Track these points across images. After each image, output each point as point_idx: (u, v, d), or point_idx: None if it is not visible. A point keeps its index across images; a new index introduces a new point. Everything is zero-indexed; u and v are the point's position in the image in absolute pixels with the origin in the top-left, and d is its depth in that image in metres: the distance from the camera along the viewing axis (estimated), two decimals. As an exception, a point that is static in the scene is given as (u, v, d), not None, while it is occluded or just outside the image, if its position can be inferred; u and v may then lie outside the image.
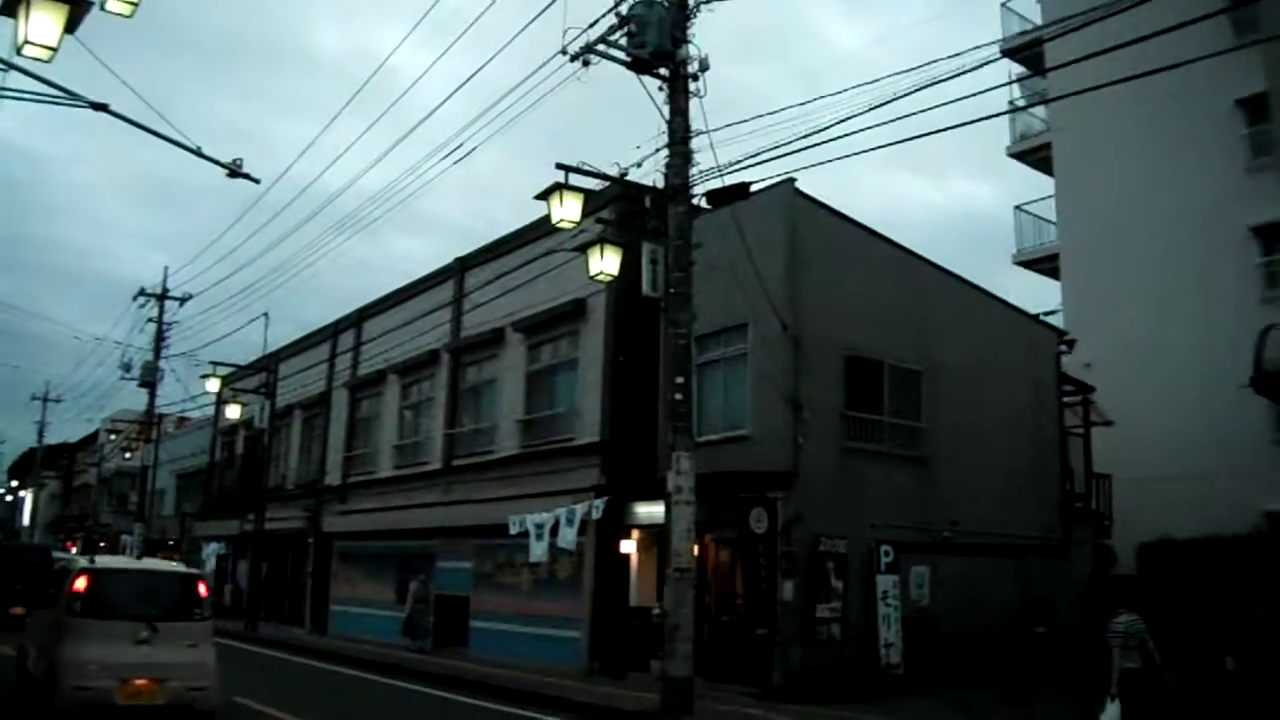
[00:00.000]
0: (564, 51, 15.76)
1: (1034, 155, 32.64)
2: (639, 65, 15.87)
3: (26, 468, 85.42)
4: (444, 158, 41.33)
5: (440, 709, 17.70)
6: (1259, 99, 24.45)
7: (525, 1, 16.33)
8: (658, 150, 16.23)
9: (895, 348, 20.62)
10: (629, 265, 17.02)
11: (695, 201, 16.41)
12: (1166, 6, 11.62)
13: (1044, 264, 32.02)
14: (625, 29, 15.67)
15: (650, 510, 19.80)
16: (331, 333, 36.84)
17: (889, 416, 20.38)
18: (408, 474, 29.85)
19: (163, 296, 40.30)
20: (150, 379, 40.48)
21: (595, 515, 20.91)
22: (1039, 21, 30.55)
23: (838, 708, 16.38)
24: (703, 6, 15.99)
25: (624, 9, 15.65)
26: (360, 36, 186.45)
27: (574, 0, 15.21)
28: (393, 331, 30.22)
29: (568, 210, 16.37)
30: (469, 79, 18.54)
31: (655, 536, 19.69)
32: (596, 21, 15.73)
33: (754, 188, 16.41)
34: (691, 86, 16.08)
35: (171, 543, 49.89)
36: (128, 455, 53.17)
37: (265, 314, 38.10)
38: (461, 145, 35.57)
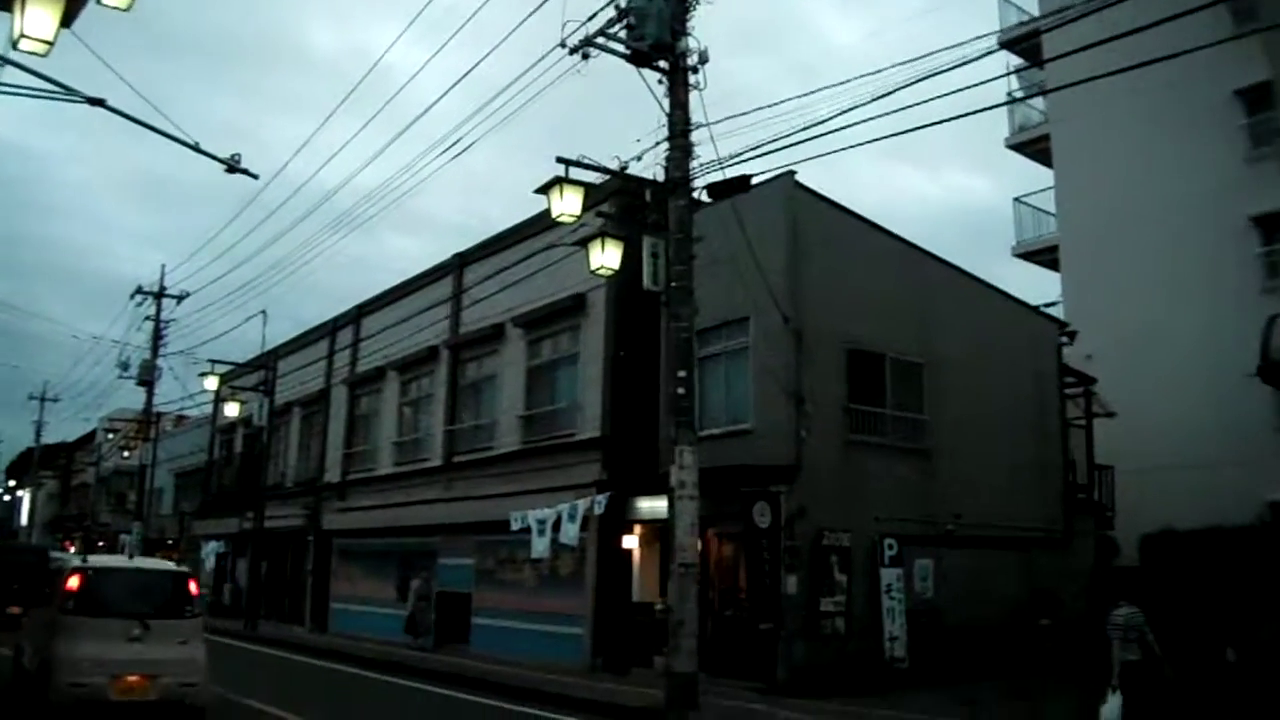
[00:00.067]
0: (563, 44, 15.71)
1: (1033, 147, 32.56)
2: (638, 58, 15.80)
3: (24, 467, 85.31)
4: (441, 153, 41.24)
5: (443, 707, 17.64)
6: (1258, 89, 24.43)
7: (521, -3, 16.27)
8: (658, 144, 16.19)
9: (897, 340, 20.57)
10: (629, 259, 16.95)
11: (696, 195, 16.35)
12: (1164, -3, 11.58)
13: (1043, 256, 31.97)
14: (624, 21, 15.62)
15: (652, 505, 19.76)
16: (330, 329, 36.76)
17: (891, 409, 20.33)
18: (408, 471, 29.78)
19: (160, 294, 40.22)
20: (148, 377, 40.43)
21: (598, 511, 20.85)
22: (1036, 13, 30.49)
23: (843, 702, 16.33)
24: (701, -2, 15.92)
25: (623, 2, 15.59)
26: (355, 34, 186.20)
27: (571, -5, 15.17)
28: (392, 328, 30.13)
29: (568, 204, 16.28)
30: (465, 74, 18.48)
31: (657, 532, 19.66)
32: (595, 14, 15.71)
33: (754, 181, 16.36)
34: (691, 79, 16.02)
35: (170, 541, 49.81)
36: (126, 454, 53.05)
37: (263, 311, 37.96)
38: (459, 140, 35.50)
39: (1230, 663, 15.21)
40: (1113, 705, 12.60)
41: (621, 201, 19.54)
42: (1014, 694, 17.27)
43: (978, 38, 13.10)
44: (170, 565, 16.34)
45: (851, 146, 16.69)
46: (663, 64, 15.92)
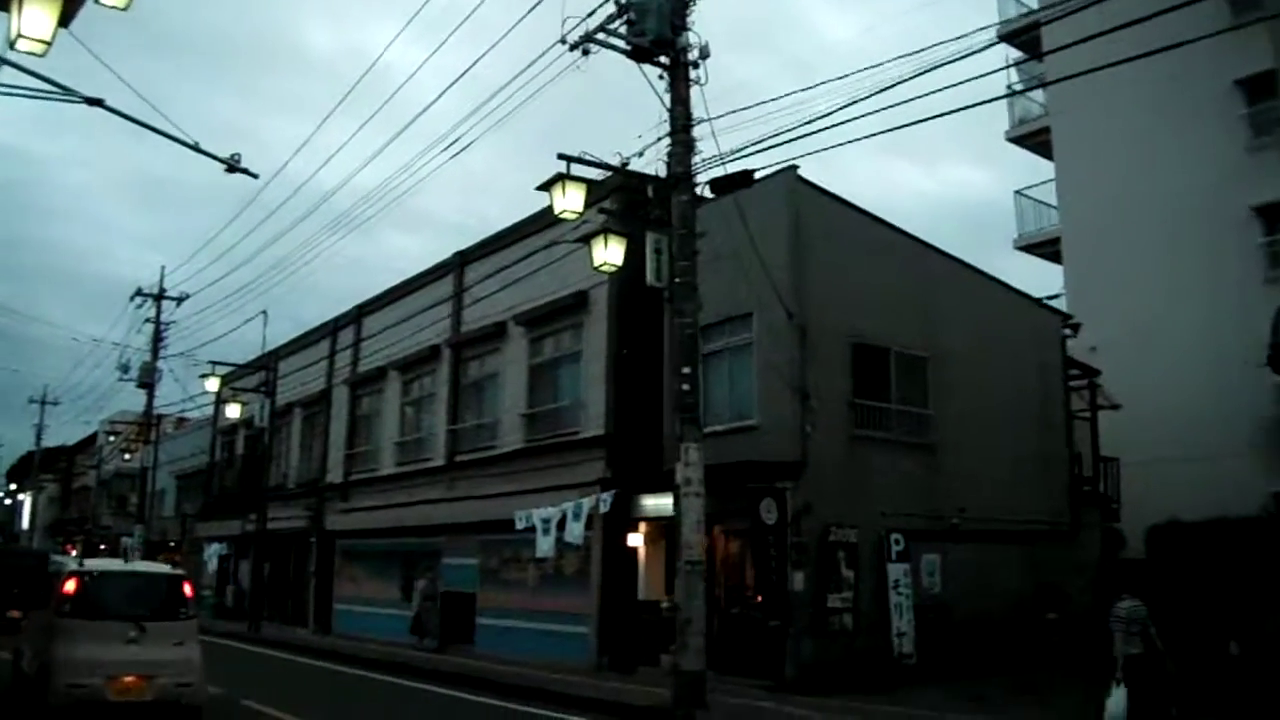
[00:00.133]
0: (563, 41, 15.63)
1: (1033, 139, 32.54)
2: (639, 54, 15.72)
3: (25, 470, 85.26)
4: (441, 151, 41.18)
5: (448, 708, 17.55)
6: (1258, 79, 24.39)
7: (519, -4, 16.20)
8: (659, 139, 16.10)
9: (901, 334, 20.50)
10: (630, 256, 16.85)
11: (698, 190, 16.28)
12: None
13: (1045, 248, 31.93)
14: (625, 17, 15.54)
15: (657, 503, 19.68)
16: (331, 330, 36.67)
17: (896, 404, 20.27)
18: (410, 471, 29.69)
19: (160, 296, 40.13)
20: (148, 379, 40.37)
21: (603, 509, 20.76)
22: (1035, 5, 30.45)
23: (851, 699, 16.26)
24: (702, -9, 15.84)
25: (623, -3, 15.51)
26: (352, 34, 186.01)
27: (570, -9, 15.09)
28: (393, 327, 30.09)
29: (570, 201, 16.20)
30: (464, 73, 18.44)
31: (663, 529, 19.58)
32: (595, 10, 15.63)
33: (757, 176, 16.30)
34: (692, 74, 15.94)
35: (172, 544, 49.75)
36: (127, 457, 53.08)
37: (264, 312, 37.95)
38: (458, 139, 35.40)
39: (1234, 656, 15.17)
40: (1117, 699, 12.55)
41: (623, 198, 19.47)
42: (1022, 689, 17.25)
43: (979, 29, 13.05)
44: (165, 568, 16.71)
45: (852, 141, 16.68)
46: (663, 59, 15.83)
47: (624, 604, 21.28)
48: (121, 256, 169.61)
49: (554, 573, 23.06)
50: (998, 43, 20.21)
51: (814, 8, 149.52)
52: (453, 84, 18.91)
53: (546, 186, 16.64)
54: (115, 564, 17.22)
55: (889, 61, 13.92)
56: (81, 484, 75.02)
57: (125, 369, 41.20)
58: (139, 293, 40.18)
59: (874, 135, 14.30)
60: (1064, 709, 15.71)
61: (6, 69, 11.28)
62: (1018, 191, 32.79)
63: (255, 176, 15.50)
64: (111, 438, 61.85)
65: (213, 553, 43.91)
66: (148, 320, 40.23)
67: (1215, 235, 25.38)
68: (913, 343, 20.69)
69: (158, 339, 40.11)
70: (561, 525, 21.37)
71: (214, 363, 36.02)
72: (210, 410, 44.61)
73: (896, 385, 20.35)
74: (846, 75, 19.13)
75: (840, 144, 14.57)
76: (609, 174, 17.26)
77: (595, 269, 17.23)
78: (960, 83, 13.06)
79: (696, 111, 15.92)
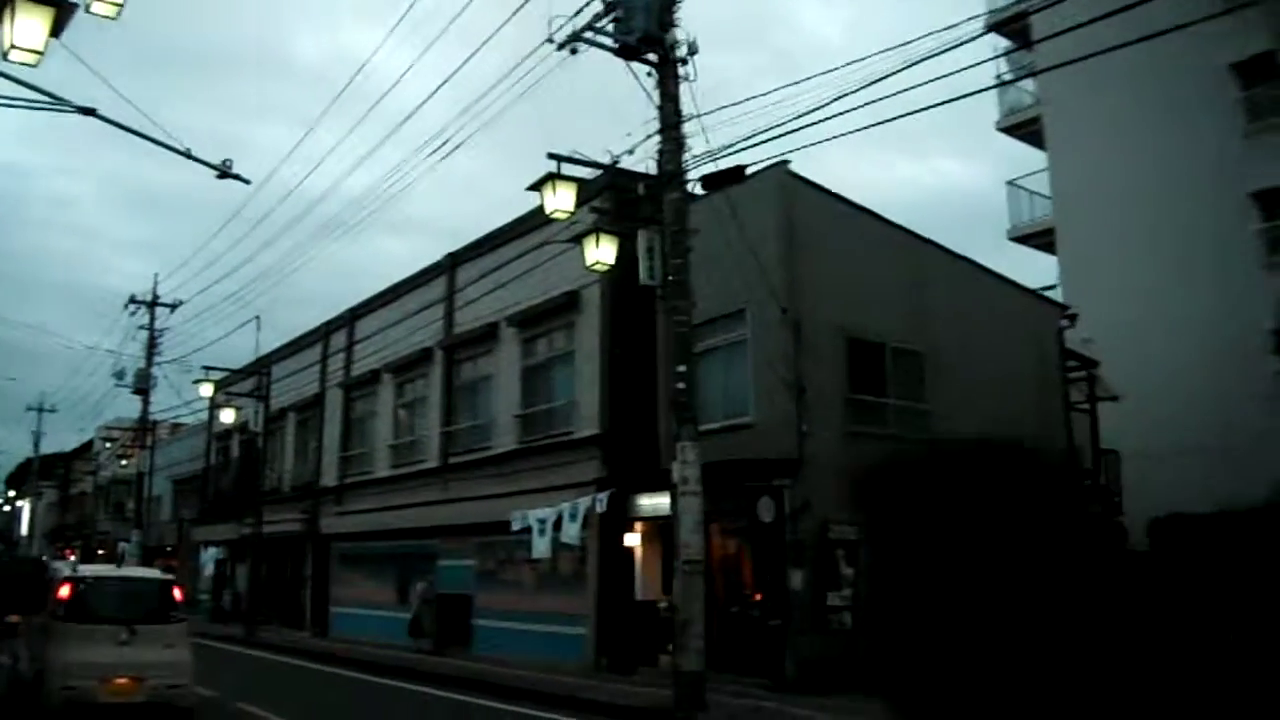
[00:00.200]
0: (550, 40, 15.53)
1: (1024, 129, 32.36)
2: (627, 51, 15.62)
3: (23, 477, 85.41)
4: (430, 154, 41.04)
5: (446, 711, 17.42)
6: (1252, 62, 24.26)
7: (504, -2, 16.08)
8: (649, 137, 15.98)
9: (896, 329, 20.35)
10: (622, 254, 16.76)
11: (689, 187, 16.16)
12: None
13: (1039, 239, 31.75)
14: (612, 15, 15.45)
15: (654, 502, 19.58)
16: (323, 334, 36.62)
17: (893, 399, 20.12)
18: (405, 473, 29.61)
19: (153, 304, 40.17)
20: (144, 386, 40.44)
21: (600, 509, 20.65)
22: (1023, -6, 30.29)
23: (852, 698, 16.07)
24: (689, -12, 15.71)
25: (609, -6, 15.39)
26: (338, 41, 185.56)
27: (554, -8, 14.98)
28: (385, 330, 30.08)
29: (561, 200, 16.12)
30: (451, 75, 18.33)
31: (659, 529, 19.48)
32: (582, 9, 15.52)
33: (747, 171, 16.17)
34: (680, 71, 15.81)
35: (169, 548, 49.74)
36: (124, 463, 53.01)
37: (257, 317, 37.97)
38: (447, 141, 35.30)
39: (1231, 649, 15.00)
40: None
41: (614, 197, 19.32)
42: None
43: (968, 19, 12.93)
44: (156, 573, 17.54)
45: (842, 135, 16.47)
46: (651, 57, 15.73)
47: (621, 604, 21.17)
48: (114, 265, 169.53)
49: (550, 574, 22.96)
50: (986, 33, 20.03)
51: (800, 4, 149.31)
52: (440, 86, 18.82)
53: (537, 186, 16.57)
54: (108, 570, 17.56)
55: (877, 54, 13.82)
56: (79, 490, 75.00)
57: (120, 376, 41.25)
58: (133, 300, 40.27)
59: (864, 129, 14.20)
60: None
61: None
62: (1010, 182, 32.59)
63: (247, 182, 15.54)
64: (108, 444, 61.82)
65: (209, 556, 43.88)
66: (142, 327, 40.48)
67: (1212, 222, 25.19)
68: (908, 337, 20.53)
69: (152, 346, 40.17)
70: (558, 526, 21.27)
71: (208, 368, 36.13)
72: (205, 415, 44.59)
73: (892, 380, 20.20)
74: (835, 69, 18.89)
75: (830, 138, 14.53)
76: (599, 173, 17.18)
77: (587, 268, 17.16)
78: (949, 74, 12.94)
79: (686, 109, 15.80)
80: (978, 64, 14.35)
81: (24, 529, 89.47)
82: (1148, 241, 26.26)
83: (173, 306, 40.02)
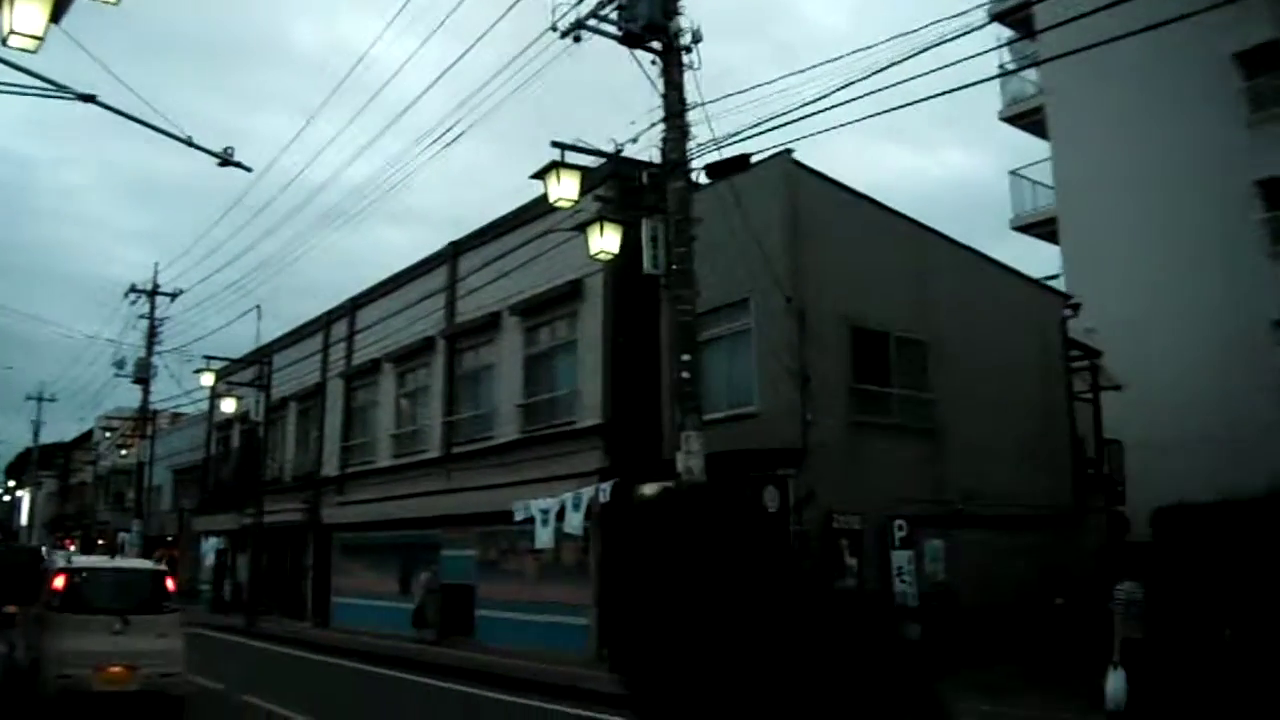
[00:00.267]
0: (554, 28, 15.43)
1: (1027, 119, 32.31)
2: (631, 39, 15.50)
3: (23, 467, 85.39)
4: (432, 143, 40.96)
5: (450, 701, 17.41)
6: (1256, 52, 24.19)
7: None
8: (652, 125, 15.87)
9: (900, 318, 20.31)
10: (625, 243, 16.67)
11: (693, 176, 16.08)
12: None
13: (1042, 228, 31.69)
14: (616, 2, 15.32)
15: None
16: (325, 323, 36.54)
17: (897, 388, 20.08)
18: (407, 463, 29.55)
19: (154, 292, 40.10)
20: (144, 375, 40.40)
21: (604, 499, 20.56)
22: (1028, -16, 30.16)
23: (857, 688, 16.06)
24: (694, -25, 15.62)
25: (614, -19, 15.28)
26: (338, 29, 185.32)
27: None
28: (386, 319, 29.94)
29: (565, 189, 16.01)
30: (454, 63, 18.28)
31: (663, 519, 19.35)
32: (584, -3, 15.39)
33: (753, 159, 16.11)
34: (685, 59, 15.71)
35: (170, 538, 49.75)
36: (124, 453, 52.96)
37: (258, 306, 37.91)
38: (451, 129, 35.22)
39: (1228, 642, 14.98)
40: (1114, 682, 12.45)
41: (618, 185, 19.23)
42: (1030, 676, 17.09)
43: (970, 9, 12.86)
44: (149, 564, 17.97)
45: (846, 124, 16.45)
46: (656, 45, 15.60)
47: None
48: (115, 254, 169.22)
49: (553, 564, 22.89)
50: (989, 22, 19.95)
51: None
52: (442, 75, 18.77)
53: (541, 174, 16.45)
54: (102, 560, 18.39)
55: (882, 43, 13.78)
56: (79, 480, 75.02)
57: (121, 365, 41.27)
58: (133, 289, 40.20)
59: (868, 118, 14.14)
60: (1072, 695, 15.55)
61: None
62: (1013, 171, 32.56)
63: (249, 170, 15.45)
64: (108, 434, 61.78)
65: (210, 546, 43.88)
66: (142, 316, 40.42)
67: (1215, 211, 25.13)
68: (912, 326, 20.50)
69: (152, 335, 40.12)
70: (560, 516, 21.21)
71: (209, 357, 36.15)
72: (206, 405, 44.52)
73: (897, 369, 20.18)
74: (839, 58, 18.93)
75: (834, 127, 14.44)
76: (603, 161, 17.07)
77: (591, 257, 17.09)
78: (953, 63, 12.89)
79: (690, 97, 15.69)
80: (981, 54, 14.30)
81: (24, 519, 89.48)
82: (1151, 231, 26.20)
83: (173, 295, 40.01)
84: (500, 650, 22.45)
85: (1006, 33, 30.40)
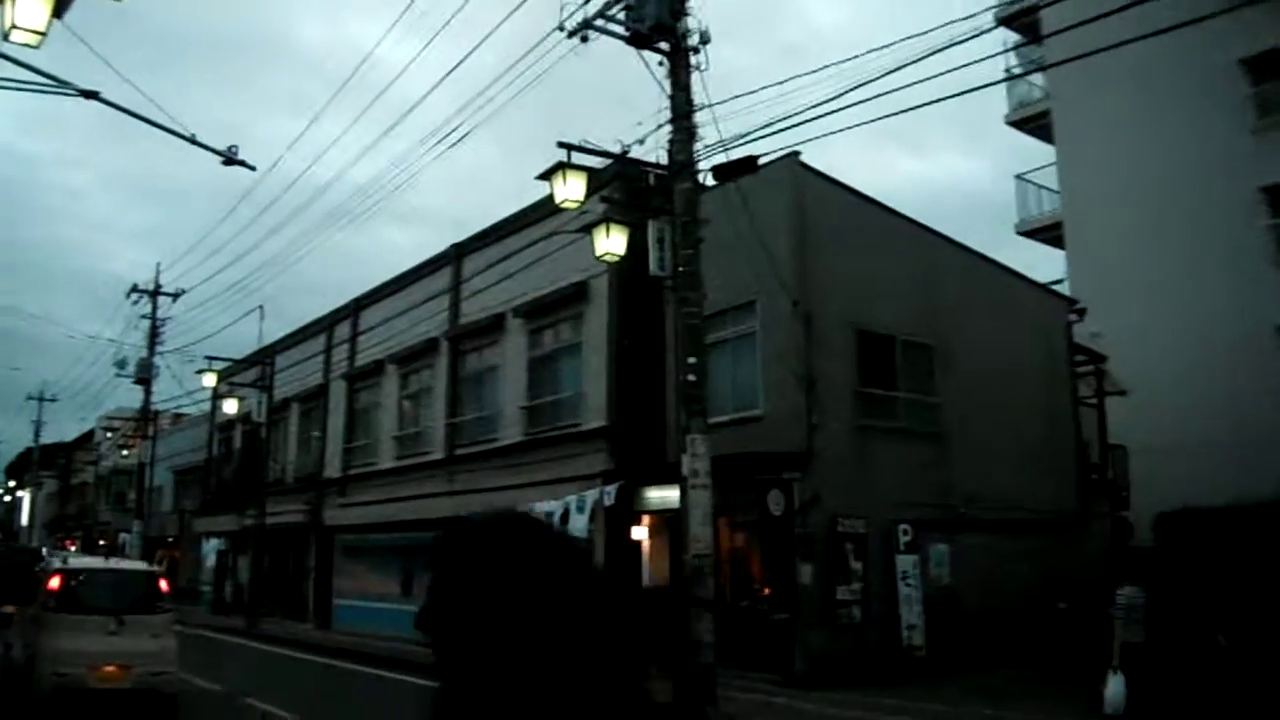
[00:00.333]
0: (561, 28, 15.38)
1: (1033, 123, 32.28)
2: (638, 40, 15.42)
3: (24, 467, 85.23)
4: (437, 143, 40.91)
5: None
6: (1262, 58, 24.14)
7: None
8: (659, 126, 15.80)
9: (906, 322, 20.27)
10: (631, 245, 16.62)
11: (700, 177, 16.01)
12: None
13: (1047, 233, 31.65)
14: (623, 3, 15.25)
15: (662, 495, 19.44)
16: (328, 324, 36.48)
17: (903, 392, 20.03)
18: (409, 465, 29.48)
19: (156, 292, 40.01)
20: (145, 375, 40.31)
21: (608, 502, 20.52)
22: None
23: (862, 693, 16.04)
24: (702, -24, 15.58)
25: (622, -19, 15.22)
26: (344, 29, 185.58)
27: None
28: (390, 320, 29.88)
29: (571, 190, 15.95)
30: (459, 63, 18.20)
31: (667, 522, 19.34)
32: (592, -3, 15.33)
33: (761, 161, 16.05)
34: (692, 60, 15.65)
35: (171, 539, 49.66)
36: (125, 453, 52.86)
37: (260, 307, 37.71)
38: (456, 129, 35.15)
39: (1222, 647, 14.93)
40: (1114, 686, 12.40)
41: (624, 186, 19.18)
42: (1033, 681, 17.03)
43: (977, 13, 12.86)
44: (143, 565, 18.58)
45: (852, 127, 16.39)
46: (663, 45, 15.52)
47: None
48: (117, 254, 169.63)
49: (557, 567, 22.78)
50: (996, 27, 20.04)
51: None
52: (447, 75, 18.70)
53: (547, 175, 16.39)
54: (97, 561, 18.47)
55: (890, 45, 13.70)
56: (80, 480, 74.90)
57: (122, 365, 41.16)
58: (135, 289, 40.10)
59: (875, 120, 14.12)
60: (1072, 699, 15.50)
61: (1, 63, 11.13)
62: (1018, 176, 32.55)
63: (253, 168, 15.42)
64: (109, 434, 61.69)
65: (211, 548, 43.78)
66: (144, 316, 40.30)
67: (1221, 217, 25.06)
68: (918, 330, 20.45)
69: (154, 335, 40.04)
70: (565, 519, 21.11)
71: (211, 358, 36.03)
72: (208, 406, 44.48)
73: (902, 373, 20.13)
74: (846, 60, 18.78)
75: (841, 130, 14.37)
76: (609, 162, 17.01)
77: (597, 259, 17.02)
78: (960, 67, 12.87)
79: (697, 98, 15.64)
80: (987, 58, 14.28)
81: (24, 519, 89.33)
82: (1157, 236, 26.13)
83: (175, 295, 39.90)
84: (503, 653, 22.33)
85: (1014, 37, 30.43)
